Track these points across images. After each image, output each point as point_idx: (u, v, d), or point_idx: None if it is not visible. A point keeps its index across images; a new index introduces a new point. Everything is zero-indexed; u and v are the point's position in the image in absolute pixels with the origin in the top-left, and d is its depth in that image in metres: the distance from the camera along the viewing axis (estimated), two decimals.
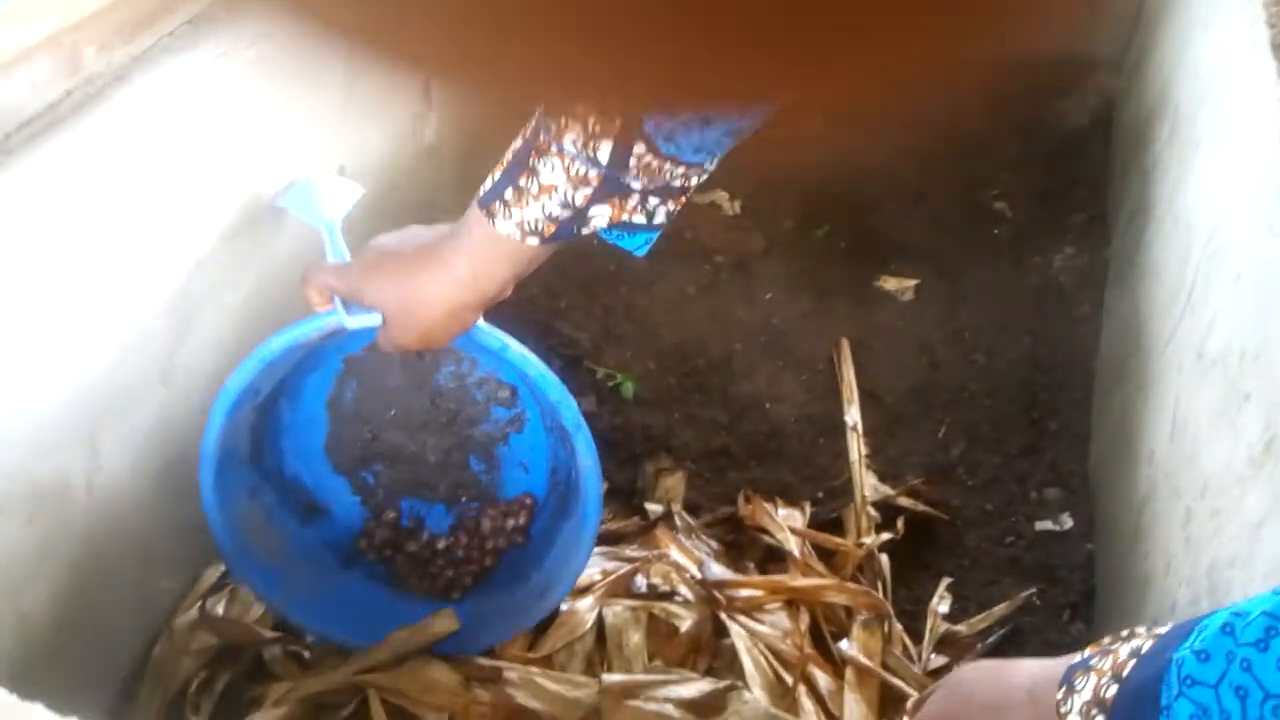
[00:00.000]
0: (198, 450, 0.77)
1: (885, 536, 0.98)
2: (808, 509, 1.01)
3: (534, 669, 0.82)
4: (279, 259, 0.91)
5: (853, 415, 1.11)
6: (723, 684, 0.79)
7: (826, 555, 0.96)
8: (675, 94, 0.17)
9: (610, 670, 0.83)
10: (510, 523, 0.90)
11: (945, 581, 0.96)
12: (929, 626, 0.92)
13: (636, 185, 0.58)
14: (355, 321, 0.71)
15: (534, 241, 0.61)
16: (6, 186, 0.64)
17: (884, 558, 0.96)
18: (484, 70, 0.16)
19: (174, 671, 0.83)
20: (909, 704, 0.60)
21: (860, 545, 0.96)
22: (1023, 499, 1.05)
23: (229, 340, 0.86)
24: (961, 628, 0.92)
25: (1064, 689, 0.46)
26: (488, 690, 0.79)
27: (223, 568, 0.88)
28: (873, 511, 1.01)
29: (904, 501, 1.02)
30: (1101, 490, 1.01)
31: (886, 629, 0.89)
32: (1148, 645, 0.43)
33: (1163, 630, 0.44)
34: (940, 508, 1.03)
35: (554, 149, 0.57)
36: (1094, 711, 0.43)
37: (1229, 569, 0.65)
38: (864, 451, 1.07)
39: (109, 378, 0.76)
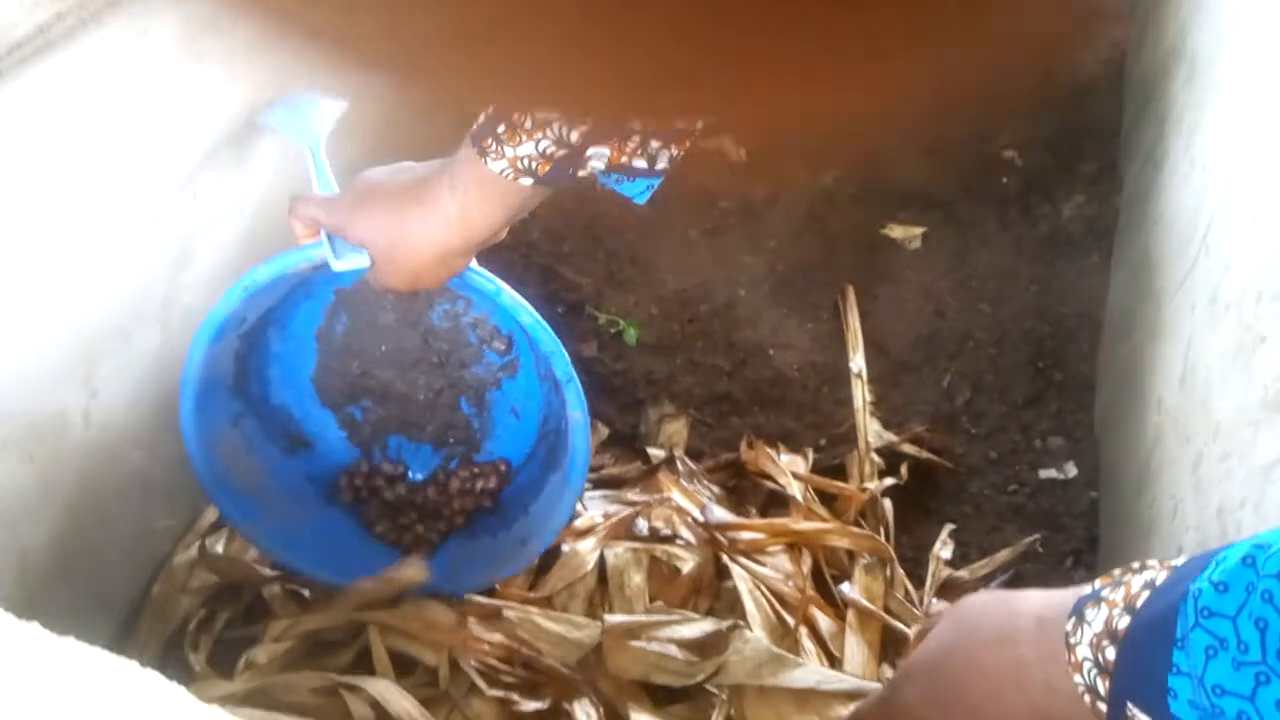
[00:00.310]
0: None
1: (889, 482, 0.97)
2: (810, 455, 1.01)
3: (534, 609, 0.81)
4: (277, 194, 0.89)
5: (857, 363, 1.10)
6: (724, 624, 0.78)
7: (829, 500, 0.96)
8: (666, 101, 0.17)
9: (612, 611, 0.82)
10: (480, 485, 0.89)
11: (948, 528, 0.96)
12: (931, 571, 0.91)
13: (637, 124, 0.56)
14: (341, 264, 0.70)
15: (527, 181, 0.58)
16: None
17: (887, 503, 0.95)
18: (450, 75, 0.15)
19: (173, 609, 0.83)
20: (913, 633, 0.59)
21: (863, 490, 0.95)
22: (1027, 447, 1.05)
23: (226, 275, 0.85)
24: (963, 573, 0.92)
25: (1073, 620, 0.45)
26: (488, 629, 0.79)
27: None
28: (876, 458, 1.00)
29: (907, 448, 1.02)
30: (1107, 438, 1.00)
31: (888, 573, 0.88)
32: (1162, 577, 0.43)
33: (1178, 562, 0.43)
34: (944, 455, 1.02)
35: None
36: (1105, 643, 0.43)
37: (1239, 511, 0.64)
38: (868, 399, 1.06)
39: (105, 313, 0.75)
